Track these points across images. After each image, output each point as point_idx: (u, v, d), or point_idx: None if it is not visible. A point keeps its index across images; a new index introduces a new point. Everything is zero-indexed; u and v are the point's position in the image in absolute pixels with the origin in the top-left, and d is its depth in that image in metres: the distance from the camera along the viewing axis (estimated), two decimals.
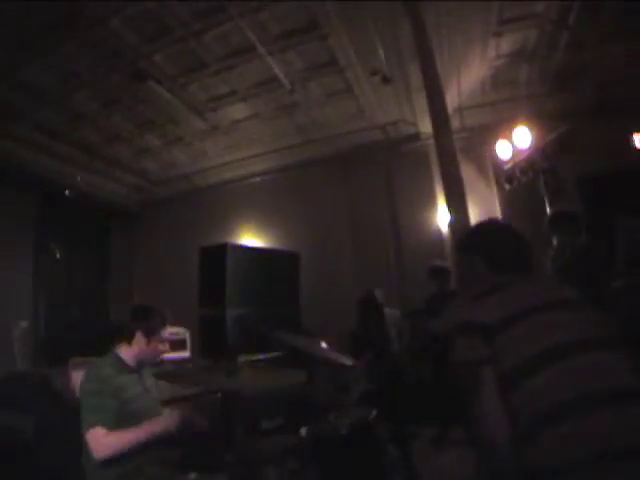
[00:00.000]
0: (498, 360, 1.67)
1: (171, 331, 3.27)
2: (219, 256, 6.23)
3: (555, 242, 4.90)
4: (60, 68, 6.25)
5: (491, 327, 1.72)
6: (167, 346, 3.21)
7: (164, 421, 2.76)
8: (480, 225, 2.40)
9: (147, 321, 3.11)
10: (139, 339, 3.05)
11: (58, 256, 8.08)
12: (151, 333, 3.08)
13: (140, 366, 3.11)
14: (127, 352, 3.06)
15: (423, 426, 3.85)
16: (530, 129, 6.56)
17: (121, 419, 2.70)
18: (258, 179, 9.63)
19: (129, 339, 3.07)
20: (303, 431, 3.00)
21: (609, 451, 1.40)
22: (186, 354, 5.65)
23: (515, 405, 1.59)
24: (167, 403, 3.48)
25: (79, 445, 2.71)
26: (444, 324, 1.88)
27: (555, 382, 1.55)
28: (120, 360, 3.00)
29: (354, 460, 2.81)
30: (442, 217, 7.80)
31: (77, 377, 5.55)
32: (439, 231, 7.94)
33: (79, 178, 8.87)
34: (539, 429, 1.50)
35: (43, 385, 5.36)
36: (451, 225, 5.83)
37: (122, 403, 2.75)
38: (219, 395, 3.94)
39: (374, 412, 3.02)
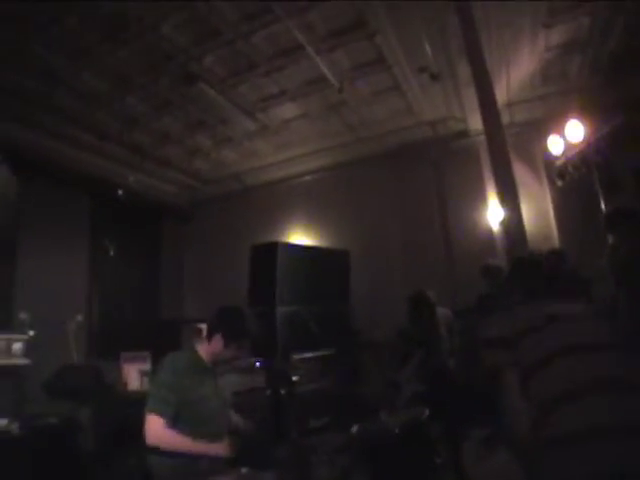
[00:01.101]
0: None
1: None
2: (269, 254, 6.30)
3: (611, 241, 4.78)
4: (113, 73, 6.44)
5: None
6: (242, 353, 3.26)
7: (219, 450, 2.82)
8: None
9: (231, 326, 3.13)
10: (218, 340, 3.08)
11: (112, 253, 8.27)
12: (232, 339, 3.11)
13: (214, 363, 3.15)
14: (204, 349, 3.11)
15: (474, 427, 3.82)
16: (582, 123, 6.40)
17: (186, 418, 2.78)
18: (308, 178, 9.67)
19: (209, 337, 3.10)
20: (354, 429, 3.01)
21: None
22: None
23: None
24: (236, 394, 3.52)
25: (130, 434, 2.81)
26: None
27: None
28: (197, 356, 3.07)
29: (405, 459, 2.81)
30: (493, 214, 7.68)
31: (128, 370, 5.73)
32: (490, 229, 7.82)
33: (131, 178, 9.09)
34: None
35: (97, 378, 5.53)
36: (503, 223, 5.75)
37: (190, 403, 2.81)
38: (269, 392, 3.99)
39: (426, 412, 3.02)
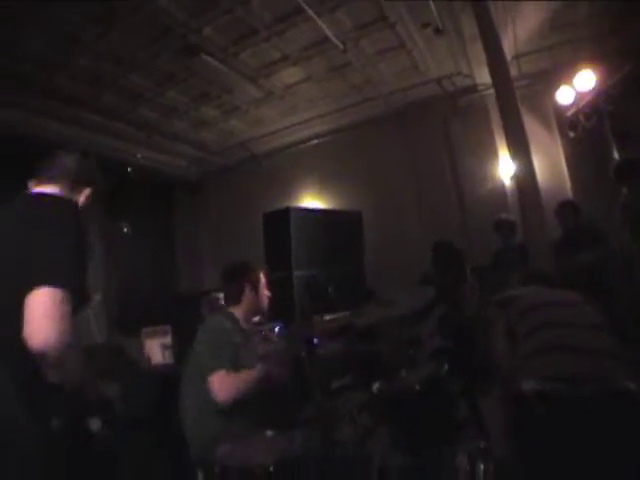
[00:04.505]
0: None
1: None
2: (283, 221, 6.32)
3: (625, 190, 4.73)
4: (113, 51, 6.38)
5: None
6: (268, 292, 3.39)
7: (273, 365, 2.92)
8: None
9: (249, 272, 3.27)
10: (248, 294, 3.20)
11: (126, 231, 8.30)
12: (258, 282, 3.26)
13: (248, 324, 3.28)
14: (236, 312, 3.19)
15: (493, 383, 3.83)
16: (593, 71, 6.28)
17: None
18: (316, 141, 9.63)
19: (237, 298, 3.20)
20: (375, 387, 3.04)
21: None
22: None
23: None
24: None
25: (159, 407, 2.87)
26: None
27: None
28: (235, 318, 3.15)
29: (426, 415, 2.84)
30: (505, 168, 7.63)
31: (150, 346, 5.80)
32: (502, 183, 7.77)
33: (139, 155, 9.10)
34: None
35: (120, 355, 5.60)
36: (515, 176, 5.70)
37: (237, 359, 2.89)
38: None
39: (445, 367, 3.03)
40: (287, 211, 6.51)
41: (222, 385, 2.73)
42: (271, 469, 2.36)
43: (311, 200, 9.44)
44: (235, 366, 2.82)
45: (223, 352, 2.83)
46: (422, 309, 4.28)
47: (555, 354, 2.27)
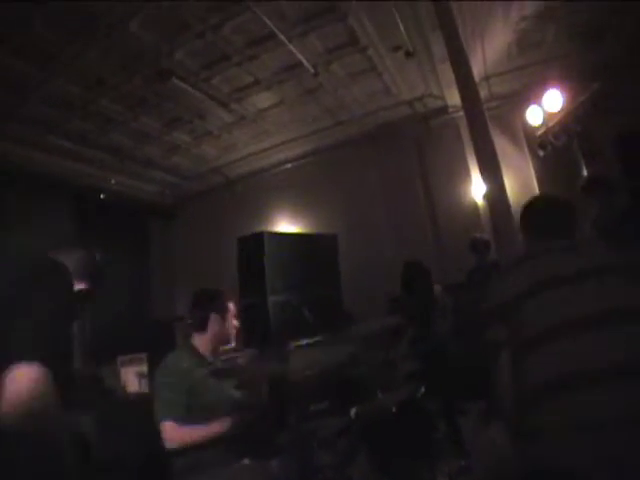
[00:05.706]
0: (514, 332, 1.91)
1: None
2: (256, 245, 6.26)
3: (595, 207, 4.79)
4: (85, 76, 6.34)
5: (508, 305, 1.95)
6: (236, 321, 3.31)
7: (228, 423, 2.77)
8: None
9: (217, 301, 3.19)
10: (214, 321, 3.11)
11: (99, 258, 8.20)
12: (225, 311, 3.17)
13: (215, 354, 3.18)
14: (201, 341, 3.11)
15: (471, 402, 3.83)
16: (561, 91, 6.38)
17: (195, 411, 2.77)
18: (289, 165, 9.66)
19: (202, 326, 3.11)
20: (352, 412, 3.01)
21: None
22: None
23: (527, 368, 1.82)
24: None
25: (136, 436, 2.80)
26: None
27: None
28: (195, 351, 3.06)
29: (404, 437, 2.81)
30: (477, 189, 7.70)
31: (126, 374, 5.68)
32: (475, 203, 7.84)
33: (113, 181, 9.03)
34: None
35: (96, 384, 5.47)
36: (487, 196, 5.74)
37: (196, 397, 2.80)
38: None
39: (422, 389, 3.01)
40: (261, 235, 6.46)
41: (171, 435, 2.69)
42: None
43: (285, 224, 9.44)
44: (190, 408, 2.76)
45: (174, 400, 2.77)
46: (393, 331, 4.27)
47: None
